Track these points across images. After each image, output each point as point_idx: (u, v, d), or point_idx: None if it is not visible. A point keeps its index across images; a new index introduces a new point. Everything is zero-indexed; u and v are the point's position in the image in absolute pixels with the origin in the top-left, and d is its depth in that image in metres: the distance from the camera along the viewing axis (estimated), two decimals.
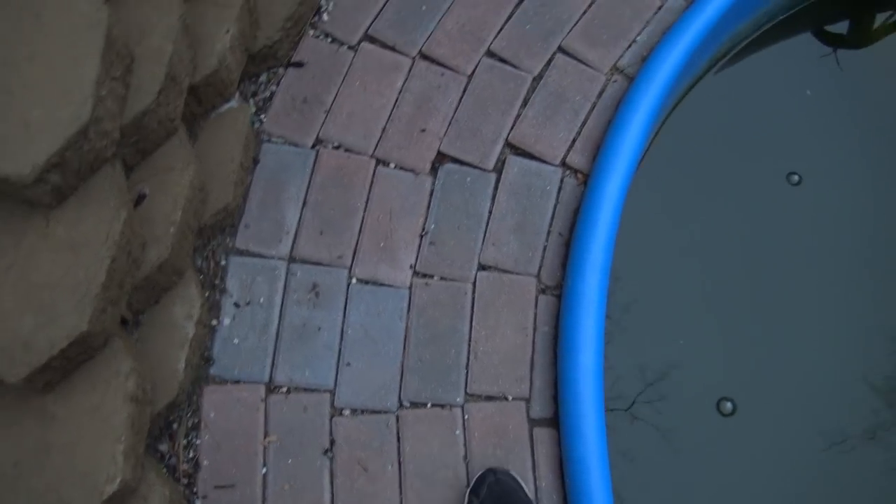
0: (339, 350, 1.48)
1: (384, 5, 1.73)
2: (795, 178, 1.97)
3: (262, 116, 1.64)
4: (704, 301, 1.81)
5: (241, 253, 1.54)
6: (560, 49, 1.71)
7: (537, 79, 1.68)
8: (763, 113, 2.06)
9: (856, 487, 1.67)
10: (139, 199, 1.31)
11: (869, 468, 1.68)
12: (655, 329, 1.76)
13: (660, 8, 1.75)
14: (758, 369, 1.73)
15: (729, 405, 1.69)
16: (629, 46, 1.72)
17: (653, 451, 1.67)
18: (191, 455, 1.40)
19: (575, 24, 1.73)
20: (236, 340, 1.48)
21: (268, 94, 1.66)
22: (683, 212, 1.90)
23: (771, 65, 2.16)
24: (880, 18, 2.33)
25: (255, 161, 1.60)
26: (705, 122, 2.01)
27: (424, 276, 1.53)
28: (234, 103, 1.57)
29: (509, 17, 1.73)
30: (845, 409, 1.74)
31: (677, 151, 1.96)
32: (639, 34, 1.73)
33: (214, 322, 1.49)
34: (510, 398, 1.46)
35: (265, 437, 1.43)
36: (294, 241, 1.55)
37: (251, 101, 1.63)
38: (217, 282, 1.51)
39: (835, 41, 2.27)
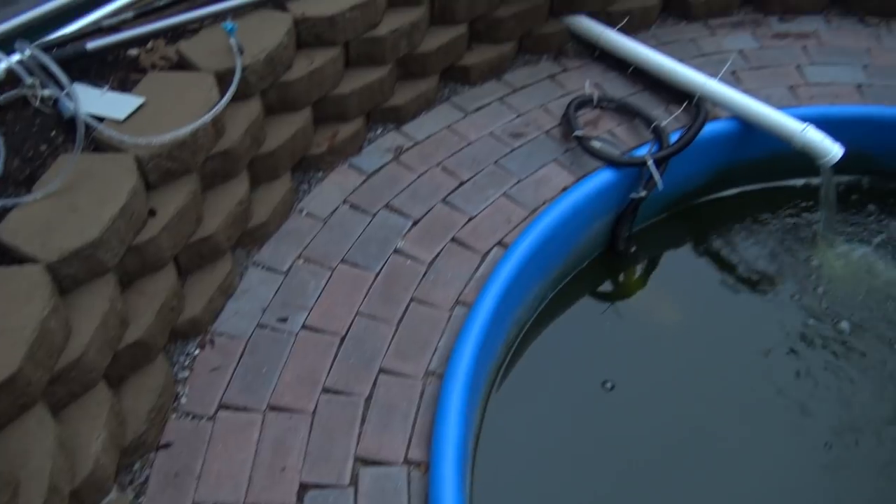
0: None
1: (231, 376, 2.10)
2: (609, 384, 2.47)
3: (142, 499, 1.86)
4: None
5: None
6: (381, 370, 2.11)
7: (368, 398, 2.04)
8: (572, 354, 2.59)
9: None
10: None
11: None
12: None
13: (449, 318, 2.24)
14: None
15: None
16: (434, 353, 2.15)
17: None
18: None
19: (388, 348, 2.16)
20: None
21: (143, 478, 1.89)
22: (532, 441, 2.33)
23: (564, 325, 2.70)
24: (638, 271, 2.98)
25: None
26: (532, 371, 2.49)
27: None
28: (112, 496, 1.79)
29: (335, 357, 2.14)
30: None
31: (517, 390, 2.45)
32: (439, 341, 2.18)
33: None
34: None
35: None
36: None
37: (128, 488, 1.86)
38: None
39: (608, 297, 2.87)
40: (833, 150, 2.67)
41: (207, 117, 2.07)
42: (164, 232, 2.01)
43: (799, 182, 3.17)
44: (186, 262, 2.19)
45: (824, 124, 2.76)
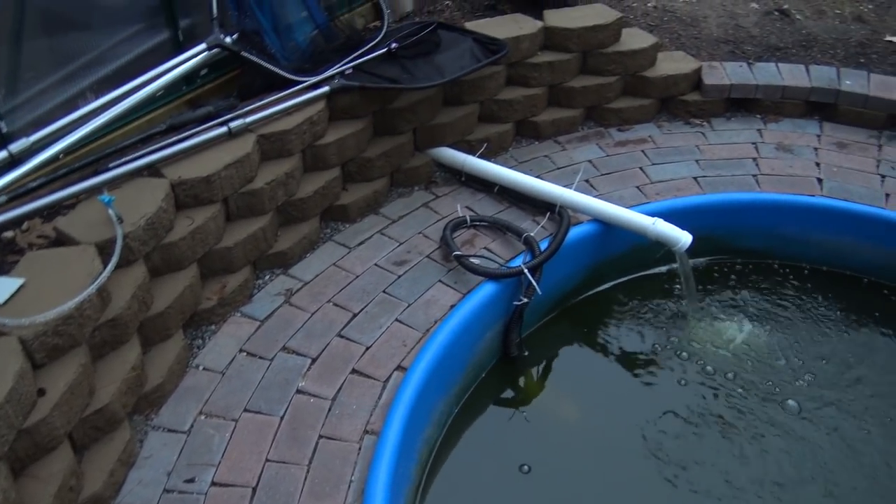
0: None
1: None
2: (526, 468, 2.62)
3: None
4: None
5: None
6: None
7: None
8: (484, 465, 2.63)
9: None
10: None
11: None
12: None
13: (360, 450, 2.26)
14: None
15: None
16: (349, 487, 2.15)
17: None
18: None
19: (302, 491, 2.14)
20: None
21: None
22: None
23: (472, 438, 2.76)
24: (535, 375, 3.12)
25: None
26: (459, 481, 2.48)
27: None
28: None
29: None
30: None
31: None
32: (353, 474, 2.19)
33: None
34: None
35: None
36: None
37: None
38: None
39: (511, 403, 2.97)
40: (683, 237, 2.98)
41: (92, 288, 2.09)
42: (55, 410, 1.96)
43: (663, 269, 3.46)
44: (82, 436, 2.13)
45: (672, 216, 3.08)
